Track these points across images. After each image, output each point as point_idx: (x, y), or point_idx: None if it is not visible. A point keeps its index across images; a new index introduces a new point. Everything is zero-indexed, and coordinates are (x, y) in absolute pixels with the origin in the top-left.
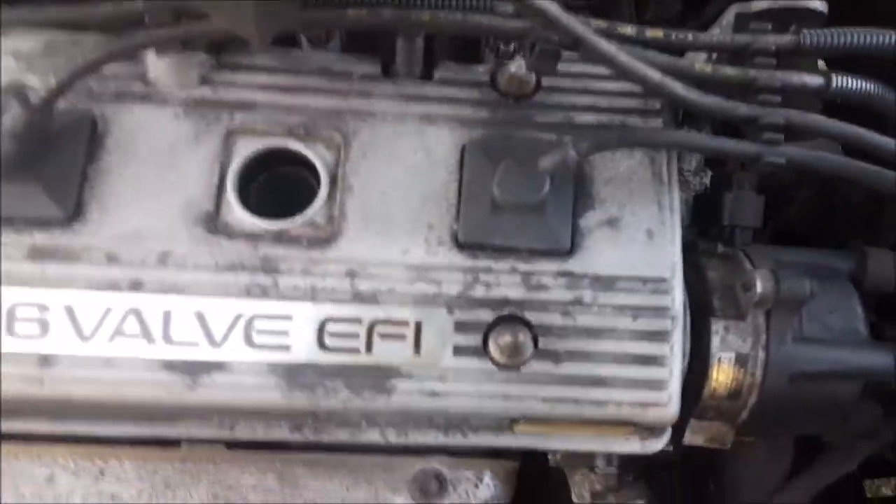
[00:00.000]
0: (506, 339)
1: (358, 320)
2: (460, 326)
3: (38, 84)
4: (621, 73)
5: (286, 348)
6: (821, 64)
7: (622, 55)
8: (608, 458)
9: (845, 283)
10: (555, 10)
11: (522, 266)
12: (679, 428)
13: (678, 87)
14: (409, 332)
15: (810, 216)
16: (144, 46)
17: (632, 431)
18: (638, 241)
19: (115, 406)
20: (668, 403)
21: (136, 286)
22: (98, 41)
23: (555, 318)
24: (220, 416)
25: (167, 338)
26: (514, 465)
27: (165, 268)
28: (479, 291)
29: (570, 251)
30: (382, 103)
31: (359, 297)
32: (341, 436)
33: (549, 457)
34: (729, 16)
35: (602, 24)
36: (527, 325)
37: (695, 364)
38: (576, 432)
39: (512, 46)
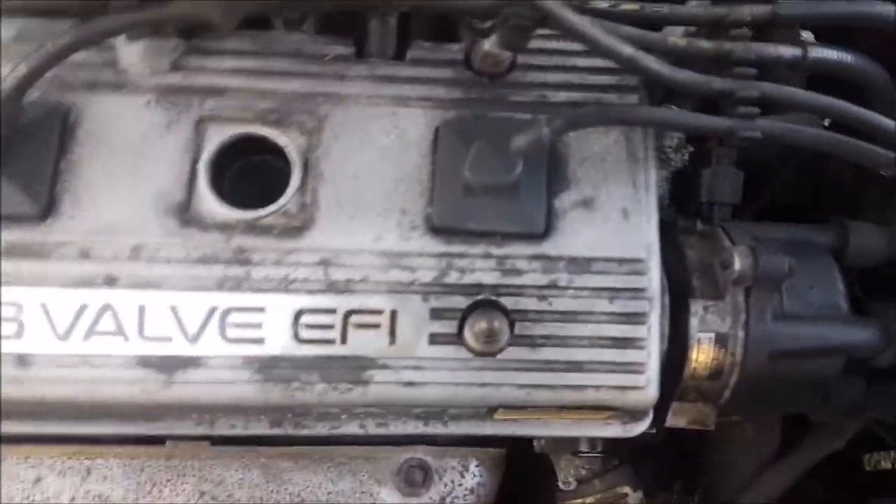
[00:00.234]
0: (481, 325)
1: (332, 311)
2: (436, 314)
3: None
4: (592, 47)
5: (260, 341)
6: (810, 36)
7: (593, 29)
8: (592, 442)
9: (826, 258)
10: None
11: (496, 250)
12: (661, 410)
13: (651, 62)
14: (385, 322)
15: (796, 192)
16: (112, 32)
17: (612, 416)
18: (613, 222)
19: (94, 405)
20: (647, 386)
21: (110, 282)
22: (66, 30)
23: (530, 303)
24: (199, 412)
25: (142, 334)
26: (500, 453)
27: (138, 262)
28: (453, 277)
29: (545, 233)
30: (355, 85)
31: (333, 287)
32: (322, 429)
33: (535, 443)
34: None
35: None
36: (502, 310)
37: (674, 345)
38: (555, 418)
39: (487, 24)
